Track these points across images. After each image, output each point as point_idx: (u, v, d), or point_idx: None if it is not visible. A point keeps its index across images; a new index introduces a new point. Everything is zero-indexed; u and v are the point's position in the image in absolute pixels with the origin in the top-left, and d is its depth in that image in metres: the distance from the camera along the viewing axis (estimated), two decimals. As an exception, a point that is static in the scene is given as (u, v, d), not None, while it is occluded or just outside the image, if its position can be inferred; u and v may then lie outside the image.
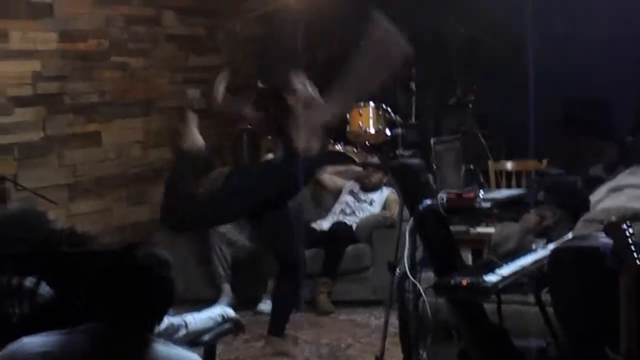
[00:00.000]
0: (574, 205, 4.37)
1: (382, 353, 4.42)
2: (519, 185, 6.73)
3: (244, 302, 6.17)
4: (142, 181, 7.41)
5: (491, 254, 4.64)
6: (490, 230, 5.84)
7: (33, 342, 2.47)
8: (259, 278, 6.13)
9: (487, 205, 3.87)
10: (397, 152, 7.36)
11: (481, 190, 4.03)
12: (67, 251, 3.18)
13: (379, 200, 6.59)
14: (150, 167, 7.49)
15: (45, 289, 3.24)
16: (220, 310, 3.46)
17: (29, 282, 3.27)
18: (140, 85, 7.38)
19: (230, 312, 3.48)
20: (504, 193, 4.25)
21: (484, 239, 5.98)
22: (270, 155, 6.60)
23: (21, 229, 3.54)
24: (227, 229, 6.37)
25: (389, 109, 7.43)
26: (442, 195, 3.82)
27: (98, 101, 6.99)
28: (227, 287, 6.25)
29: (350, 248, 6.34)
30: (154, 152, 7.52)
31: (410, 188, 3.93)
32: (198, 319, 3.30)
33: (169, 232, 6.85)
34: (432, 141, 4.30)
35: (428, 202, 3.82)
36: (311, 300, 6.23)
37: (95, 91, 6.97)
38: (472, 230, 6.09)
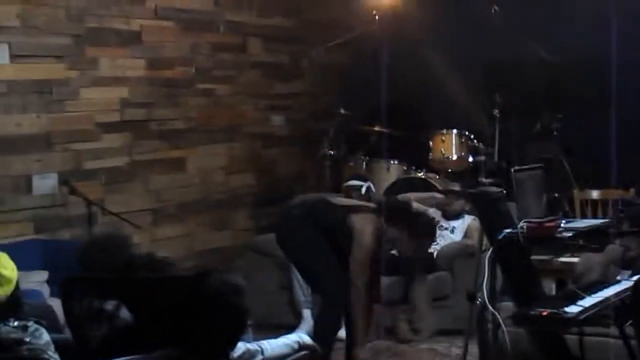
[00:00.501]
0: (659, 236, 4.27)
1: (461, 382, 4.36)
2: (604, 214, 6.59)
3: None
4: (224, 207, 7.49)
5: (574, 285, 4.55)
6: (575, 260, 5.76)
7: (109, 367, 2.51)
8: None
9: (569, 234, 3.80)
10: (479, 179, 7.32)
11: (563, 220, 3.96)
12: (145, 276, 3.22)
13: (461, 227, 6.53)
14: (233, 193, 7.57)
15: (125, 314, 3.28)
16: (297, 337, 3.46)
17: (109, 306, 3.32)
18: (224, 111, 7.48)
19: (307, 339, 3.47)
20: (586, 223, 4.17)
21: (567, 268, 5.89)
22: (352, 182, 6.63)
23: (103, 253, 3.61)
24: (308, 255, 6.37)
25: (472, 136, 7.40)
26: (523, 225, 3.78)
27: (183, 127, 7.10)
28: (307, 313, 6.25)
29: (431, 276, 6.29)
30: (237, 178, 7.61)
31: (490, 216, 3.89)
32: (274, 345, 3.30)
33: (250, 257, 6.92)
34: (512, 170, 4.24)
35: (508, 231, 3.77)
36: (392, 328, 6.19)
37: (181, 117, 7.09)
38: (555, 260, 6.01)
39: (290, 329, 5.58)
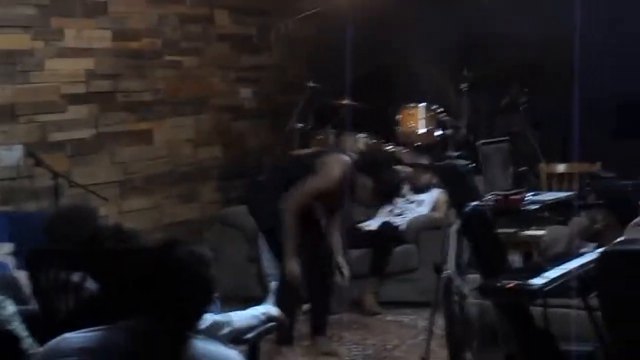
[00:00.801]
0: (625, 210, 4.30)
1: (428, 355, 4.39)
2: (571, 188, 6.64)
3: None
4: (192, 179, 7.46)
5: (541, 257, 4.60)
6: (541, 232, 5.80)
7: (73, 337, 2.49)
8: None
9: (535, 207, 3.82)
10: (447, 153, 7.34)
11: (529, 193, 3.99)
12: (112, 248, 3.21)
13: (429, 201, 6.56)
14: (201, 165, 7.54)
15: (91, 285, 3.28)
16: (264, 309, 3.47)
17: (75, 277, 3.31)
18: (192, 84, 7.43)
19: (274, 311, 3.48)
20: (551, 195, 4.20)
21: (534, 241, 5.94)
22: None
23: (70, 225, 3.59)
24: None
25: (440, 110, 7.42)
26: (490, 197, 3.80)
27: (150, 99, 7.06)
28: (275, 286, 6.26)
29: (398, 249, 6.32)
30: (204, 151, 7.57)
31: (457, 189, 3.90)
32: (242, 317, 3.31)
33: (219, 230, 6.91)
34: (478, 143, 4.26)
35: (475, 203, 3.79)
36: (358, 300, 6.22)
37: (148, 89, 7.03)
38: (522, 233, 6.06)
39: (258, 301, 5.57)
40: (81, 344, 2.44)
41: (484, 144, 4.26)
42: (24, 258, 3.38)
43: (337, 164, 5.08)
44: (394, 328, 5.88)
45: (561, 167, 6.92)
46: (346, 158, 5.17)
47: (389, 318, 6.09)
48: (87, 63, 6.54)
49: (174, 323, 2.52)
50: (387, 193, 5.32)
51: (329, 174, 5.04)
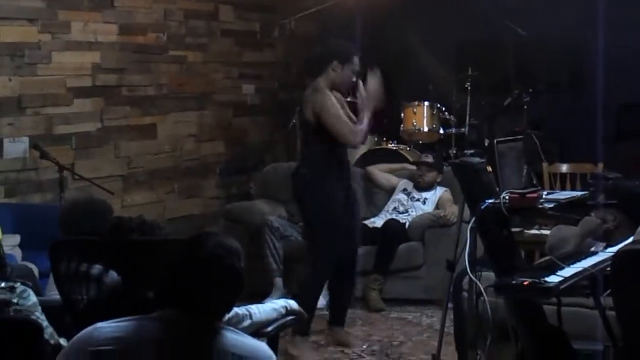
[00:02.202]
0: (636, 209, 4.32)
1: (439, 352, 4.40)
2: (573, 189, 6.68)
3: (296, 296, 6.19)
4: (194, 175, 7.47)
5: (547, 256, 4.61)
6: (545, 232, 5.84)
7: (106, 327, 2.50)
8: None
9: (550, 205, 3.84)
10: (450, 151, 7.37)
11: (544, 191, 4.01)
12: (137, 240, 3.21)
13: (433, 199, 6.58)
14: (203, 161, 7.55)
15: (112, 277, 3.28)
16: (284, 303, 3.48)
17: (96, 269, 3.32)
18: (196, 79, 7.44)
19: (294, 305, 3.50)
20: (566, 194, 4.22)
21: (538, 240, 5.98)
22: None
23: (90, 217, 3.60)
24: (280, 223, 6.40)
25: (443, 109, 7.45)
26: (505, 195, 3.81)
27: (155, 94, 7.06)
28: (279, 282, 6.27)
29: (402, 247, 6.33)
30: (207, 146, 7.58)
31: (472, 187, 3.92)
32: (263, 310, 3.32)
33: (221, 226, 6.92)
34: (495, 141, 4.28)
35: (490, 201, 3.81)
36: (363, 297, 6.23)
37: (153, 84, 7.05)
38: (526, 232, 6.10)
39: (262, 297, 5.60)
40: (116, 333, 2.45)
41: (499, 142, 4.28)
42: (48, 249, 3.38)
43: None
44: (398, 325, 5.89)
45: (564, 168, 6.95)
46: None
47: (393, 315, 6.11)
48: (93, 57, 6.55)
49: (205, 314, 2.54)
50: None
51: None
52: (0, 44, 5.89)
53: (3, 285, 3.21)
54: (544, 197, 3.89)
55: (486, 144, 7.10)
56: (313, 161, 5.26)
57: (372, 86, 5.22)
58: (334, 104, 5.14)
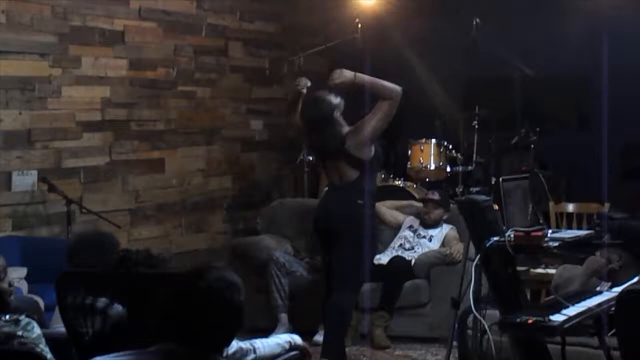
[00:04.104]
0: (641, 249, 4.34)
1: (443, 389, 4.39)
2: (579, 228, 6.68)
3: (300, 333, 6.15)
4: (201, 209, 7.49)
5: (553, 295, 4.61)
6: (551, 271, 5.84)
7: (106, 360, 2.52)
8: (316, 309, 6.15)
9: (555, 244, 3.85)
10: (456, 189, 7.39)
11: (549, 230, 4.02)
12: (140, 272, 3.23)
13: (438, 236, 6.58)
14: (210, 195, 7.58)
15: (117, 309, 3.29)
16: (288, 337, 3.49)
17: (101, 302, 3.33)
18: (204, 114, 7.49)
19: (298, 340, 3.50)
20: (571, 233, 4.23)
21: (543, 279, 5.98)
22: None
23: (96, 250, 3.62)
24: (285, 259, 6.40)
25: (450, 146, 7.48)
26: (510, 233, 3.83)
27: (163, 129, 7.11)
28: (284, 317, 6.27)
29: (408, 284, 6.32)
30: (214, 181, 7.62)
31: (478, 224, 3.94)
32: (266, 345, 3.33)
33: (227, 261, 6.93)
34: (500, 179, 4.31)
35: (495, 239, 3.82)
36: (368, 334, 6.22)
37: (161, 119, 7.09)
38: (532, 271, 6.10)
39: (267, 332, 5.59)
40: (115, 366, 2.46)
41: (505, 180, 4.30)
42: (54, 281, 3.39)
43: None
44: (403, 363, 5.88)
45: (570, 207, 6.95)
46: None
47: (398, 352, 6.09)
48: (103, 91, 6.60)
49: (205, 348, 2.55)
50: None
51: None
52: (11, 78, 5.95)
53: (7, 317, 3.23)
54: (549, 235, 3.90)
55: (492, 182, 7.11)
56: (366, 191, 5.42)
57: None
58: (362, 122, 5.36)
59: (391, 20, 7.58)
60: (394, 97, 5.37)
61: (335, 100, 5.48)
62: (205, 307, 2.56)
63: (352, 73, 5.43)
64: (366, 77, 5.42)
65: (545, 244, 3.84)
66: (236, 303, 2.61)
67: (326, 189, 6.02)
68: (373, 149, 5.47)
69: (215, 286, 2.59)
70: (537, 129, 7.35)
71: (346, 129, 5.44)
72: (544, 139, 7.50)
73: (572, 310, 3.68)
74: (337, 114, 5.47)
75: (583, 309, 3.73)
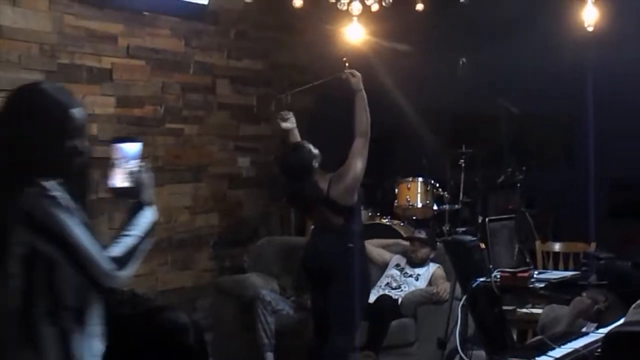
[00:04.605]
0: (627, 290, 4.34)
1: None
2: (565, 267, 6.69)
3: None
4: (188, 246, 7.47)
5: (538, 335, 4.61)
6: (537, 311, 5.83)
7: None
8: (302, 348, 6.12)
9: (541, 285, 3.86)
10: (443, 227, 7.40)
11: (535, 270, 4.03)
12: (124, 313, 3.21)
13: (425, 275, 6.58)
14: (197, 232, 7.55)
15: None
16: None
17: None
18: (192, 151, 7.49)
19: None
20: (557, 274, 4.24)
21: (529, 319, 5.97)
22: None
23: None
24: (272, 297, 6.39)
25: (437, 185, 7.50)
26: (496, 274, 3.83)
27: (150, 166, 7.06)
28: (270, 356, 6.24)
29: (394, 323, 6.31)
30: (201, 218, 7.59)
31: (464, 264, 3.94)
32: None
33: (212, 298, 6.90)
34: (487, 219, 4.32)
35: (482, 279, 3.83)
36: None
37: (149, 156, 7.07)
38: (519, 310, 6.08)
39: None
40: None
41: (491, 220, 4.31)
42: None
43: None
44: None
45: (556, 246, 6.96)
46: None
47: (385, 391, 6.08)
48: (90, 129, 6.57)
49: None
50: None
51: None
52: None
53: None
54: (535, 276, 3.92)
55: (479, 221, 7.13)
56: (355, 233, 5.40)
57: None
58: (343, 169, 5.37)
59: (378, 58, 7.61)
60: (368, 132, 5.38)
61: (315, 150, 5.47)
62: (151, 349, 2.56)
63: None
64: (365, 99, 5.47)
65: (531, 285, 3.86)
66: (182, 345, 2.59)
67: (312, 227, 6.02)
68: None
69: (161, 328, 2.58)
70: (524, 168, 7.38)
71: (327, 176, 5.40)
72: (531, 177, 7.54)
73: (559, 352, 3.69)
74: (316, 164, 5.43)
75: (569, 350, 3.74)
